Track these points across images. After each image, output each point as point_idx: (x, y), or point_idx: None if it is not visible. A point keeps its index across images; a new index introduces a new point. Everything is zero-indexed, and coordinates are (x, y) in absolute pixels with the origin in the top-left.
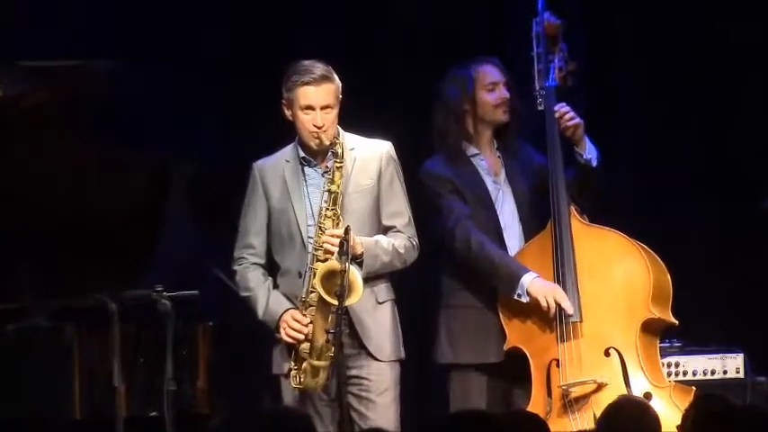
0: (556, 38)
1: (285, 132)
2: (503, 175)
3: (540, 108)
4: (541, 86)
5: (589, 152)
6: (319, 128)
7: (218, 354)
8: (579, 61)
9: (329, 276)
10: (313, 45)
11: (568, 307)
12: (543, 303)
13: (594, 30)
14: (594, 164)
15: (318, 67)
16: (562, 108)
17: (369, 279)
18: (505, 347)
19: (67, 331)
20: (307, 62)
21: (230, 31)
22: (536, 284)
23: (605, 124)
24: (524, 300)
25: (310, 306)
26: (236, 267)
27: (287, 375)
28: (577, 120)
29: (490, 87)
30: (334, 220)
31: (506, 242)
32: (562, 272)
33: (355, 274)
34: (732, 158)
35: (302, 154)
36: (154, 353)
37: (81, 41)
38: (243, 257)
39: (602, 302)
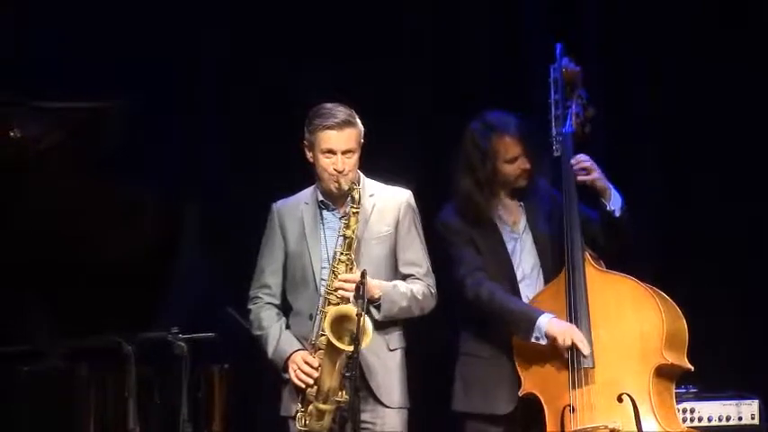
0: (574, 84)
1: (296, 170)
2: (522, 223)
3: (556, 154)
4: (558, 132)
5: (613, 203)
6: (340, 172)
7: (235, 395)
8: (598, 107)
9: (340, 321)
10: (325, 83)
11: (585, 347)
12: (561, 342)
13: (612, 74)
14: (617, 215)
15: (341, 111)
16: (579, 158)
17: (382, 325)
18: (520, 393)
19: (82, 373)
20: (330, 105)
21: (240, 68)
22: (553, 324)
23: (622, 168)
24: (542, 342)
25: (319, 349)
26: (250, 306)
27: (294, 417)
28: (593, 176)
29: (511, 160)
30: (347, 264)
31: (522, 293)
32: (576, 318)
33: (366, 320)
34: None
35: (321, 197)
36: (169, 395)
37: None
38: (258, 297)
39: (616, 348)
